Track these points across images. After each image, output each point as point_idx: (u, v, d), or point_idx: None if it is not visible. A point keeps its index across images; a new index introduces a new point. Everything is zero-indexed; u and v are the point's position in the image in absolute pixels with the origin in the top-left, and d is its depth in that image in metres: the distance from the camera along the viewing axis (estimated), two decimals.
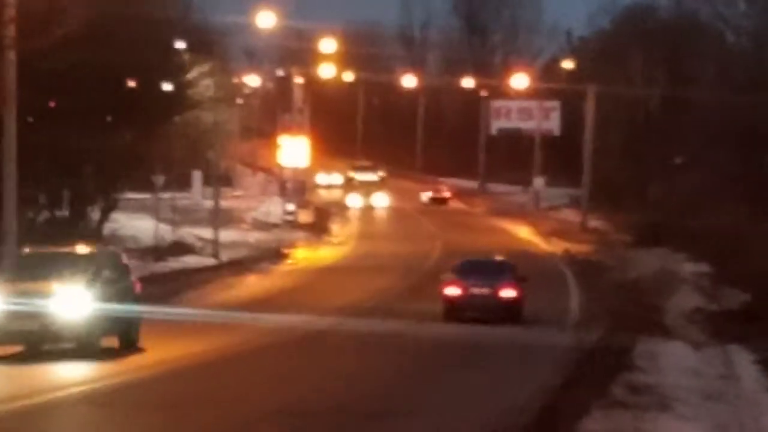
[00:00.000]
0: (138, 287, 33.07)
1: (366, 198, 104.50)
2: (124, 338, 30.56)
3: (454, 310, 46.65)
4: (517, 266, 50.16)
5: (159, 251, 60.90)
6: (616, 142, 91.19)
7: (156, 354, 30.21)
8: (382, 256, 73.94)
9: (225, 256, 64.21)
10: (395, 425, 21.52)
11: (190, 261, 61.09)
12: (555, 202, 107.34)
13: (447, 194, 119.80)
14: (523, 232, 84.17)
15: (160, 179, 64.43)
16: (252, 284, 56.54)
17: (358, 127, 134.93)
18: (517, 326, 42.87)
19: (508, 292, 46.41)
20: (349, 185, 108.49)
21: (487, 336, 39.24)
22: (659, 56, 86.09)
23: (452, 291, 46.61)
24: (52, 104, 47.71)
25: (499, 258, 54.19)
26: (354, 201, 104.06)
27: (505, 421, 20.36)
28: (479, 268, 50.17)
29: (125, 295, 31.36)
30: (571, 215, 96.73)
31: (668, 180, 76.25)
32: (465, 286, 46.64)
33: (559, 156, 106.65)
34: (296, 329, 38.97)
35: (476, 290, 46.77)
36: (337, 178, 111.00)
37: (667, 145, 77.18)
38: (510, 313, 45.93)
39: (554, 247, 73.93)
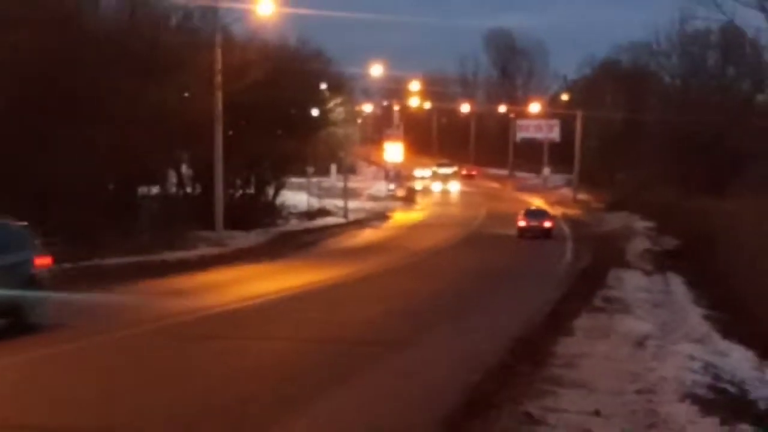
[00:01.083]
0: (41, 263, 20.11)
1: (444, 184, 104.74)
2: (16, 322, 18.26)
3: (522, 233, 57.01)
4: (550, 212, 64.83)
5: (310, 214, 61.43)
6: (595, 146, 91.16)
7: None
8: (449, 216, 73.92)
9: (351, 217, 64.13)
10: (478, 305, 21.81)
11: (329, 220, 61.01)
12: (556, 183, 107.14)
13: (474, 172, 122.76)
14: (537, 202, 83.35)
15: (310, 169, 65.17)
16: (365, 235, 56.54)
17: (433, 137, 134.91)
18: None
19: (547, 224, 58.42)
20: (434, 176, 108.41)
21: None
22: (622, 91, 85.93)
23: (522, 223, 58.15)
24: (243, 123, 47.96)
25: (542, 208, 69.60)
26: (437, 186, 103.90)
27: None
28: (534, 212, 63.11)
29: (10, 273, 18.35)
30: (566, 192, 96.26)
31: (629, 170, 76.77)
32: (527, 221, 58.52)
33: (559, 154, 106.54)
34: (397, 261, 38.89)
35: (532, 223, 58.14)
36: (427, 172, 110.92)
37: (628, 149, 77.13)
38: (547, 234, 57.03)
39: (556, 211, 73.38)
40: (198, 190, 49.14)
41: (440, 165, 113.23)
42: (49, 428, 10.85)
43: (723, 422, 11.45)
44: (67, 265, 26.19)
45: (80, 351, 16.36)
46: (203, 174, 47.63)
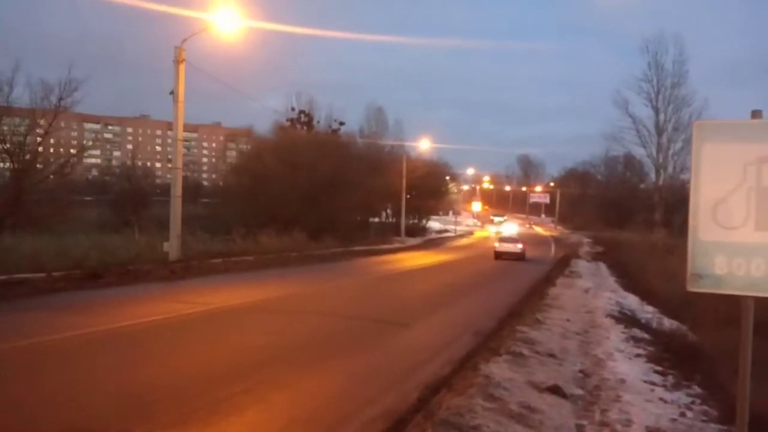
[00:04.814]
0: None
1: (499, 226, 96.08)
2: None
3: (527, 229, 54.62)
4: (541, 230, 60.91)
5: (440, 231, 59.61)
6: (565, 205, 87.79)
7: None
8: (500, 233, 72.04)
9: (457, 233, 62.41)
10: (513, 273, 21.09)
11: (448, 234, 58.86)
12: (547, 221, 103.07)
13: (504, 217, 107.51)
14: (540, 230, 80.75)
15: (440, 213, 64.91)
16: (463, 241, 54.75)
17: (494, 201, 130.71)
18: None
19: (536, 228, 60.43)
20: (494, 222, 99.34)
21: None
22: (577, 182, 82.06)
23: (527, 226, 60.10)
24: (413, 193, 48.03)
25: (535, 227, 66.13)
26: (496, 228, 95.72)
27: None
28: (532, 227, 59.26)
29: None
30: (552, 225, 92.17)
31: (580, 216, 72.95)
32: (530, 225, 58.57)
33: (548, 208, 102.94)
34: (474, 252, 37.73)
35: (531, 226, 48.33)
36: (494, 219, 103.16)
37: (580, 206, 74.04)
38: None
39: (546, 233, 70.78)
40: (394, 219, 49.21)
41: (497, 215, 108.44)
42: (345, 314, 11.08)
43: (625, 327, 11.21)
44: (340, 249, 27.01)
45: (345, 286, 16.43)
46: (396, 213, 47.80)
